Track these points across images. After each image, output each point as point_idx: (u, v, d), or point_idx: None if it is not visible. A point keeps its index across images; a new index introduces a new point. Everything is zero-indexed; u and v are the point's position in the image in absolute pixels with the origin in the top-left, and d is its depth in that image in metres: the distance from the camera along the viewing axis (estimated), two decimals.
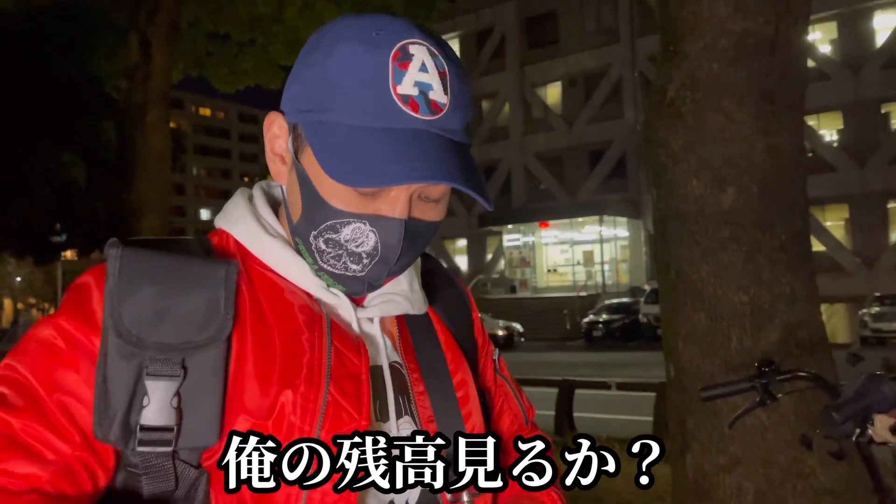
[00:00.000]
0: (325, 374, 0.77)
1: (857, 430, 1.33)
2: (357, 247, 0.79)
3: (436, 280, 0.98)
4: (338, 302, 0.84)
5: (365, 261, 0.80)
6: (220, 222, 0.88)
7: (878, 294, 21.04)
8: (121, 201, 8.83)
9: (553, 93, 34.37)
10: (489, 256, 35.36)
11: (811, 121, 27.10)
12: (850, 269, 25.80)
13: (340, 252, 0.80)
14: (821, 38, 27.47)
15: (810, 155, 27.21)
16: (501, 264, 34.67)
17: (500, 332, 23.32)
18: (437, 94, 0.76)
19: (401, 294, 0.87)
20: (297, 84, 0.81)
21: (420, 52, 0.76)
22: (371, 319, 0.86)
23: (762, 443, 2.99)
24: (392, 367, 0.85)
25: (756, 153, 3.15)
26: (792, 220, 3.18)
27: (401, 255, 0.80)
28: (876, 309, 20.18)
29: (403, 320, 0.89)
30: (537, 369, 13.92)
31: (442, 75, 0.77)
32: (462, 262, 36.31)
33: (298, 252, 0.84)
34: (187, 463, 0.71)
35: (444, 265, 1.03)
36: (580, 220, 31.18)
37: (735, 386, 1.54)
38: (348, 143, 0.74)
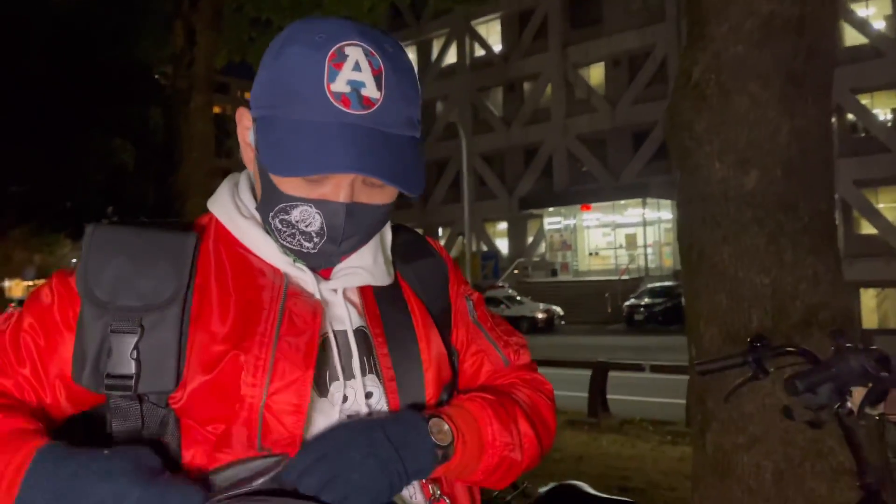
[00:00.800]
0: (274, 336, 0.87)
1: (837, 403, 1.39)
2: (306, 227, 0.89)
3: (409, 251, 1.06)
4: (302, 276, 0.94)
5: (315, 239, 0.90)
6: (209, 204, 1.00)
7: None
8: (167, 185, 9.14)
9: (596, 73, 33.90)
10: (530, 239, 35.24)
11: (864, 100, 26.21)
12: None
13: (293, 231, 0.90)
14: (874, 13, 26.46)
15: (863, 135, 26.35)
16: (542, 247, 34.53)
17: (540, 315, 23.33)
18: (370, 91, 0.85)
19: (363, 267, 0.96)
20: (255, 83, 0.92)
21: (355, 53, 0.85)
22: (335, 290, 0.96)
23: (781, 422, 3.02)
24: (357, 331, 0.95)
25: (781, 136, 3.15)
26: (816, 201, 3.18)
27: (345, 235, 0.90)
28: None
29: (370, 290, 0.99)
30: (576, 352, 13.93)
31: (376, 73, 0.85)
32: (503, 245, 36.28)
33: (268, 232, 0.95)
34: (156, 405, 0.85)
35: (423, 235, 1.12)
36: (623, 202, 30.82)
37: (729, 360, 1.60)
38: (286, 137, 0.85)
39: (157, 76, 13.16)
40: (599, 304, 26.28)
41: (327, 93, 0.84)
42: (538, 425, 1.04)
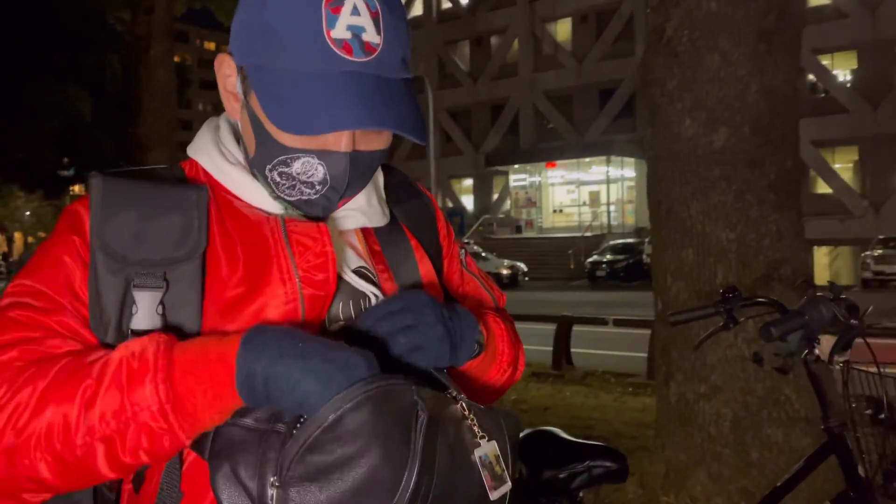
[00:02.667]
0: (294, 271, 0.86)
1: (806, 350, 1.46)
2: (308, 178, 0.87)
3: (401, 192, 1.06)
4: (297, 217, 0.92)
5: (318, 187, 0.88)
6: (190, 151, 0.97)
7: (881, 237, 21.06)
8: (127, 135, 8.89)
9: (563, 29, 33.68)
10: (495, 196, 35.34)
11: (825, 60, 26.57)
12: (857, 211, 25.74)
13: (294, 183, 0.88)
14: None
15: (822, 95, 26.77)
16: (507, 204, 34.68)
17: (505, 272, 23.55)
18: (371, 36, 0.81)
19: (357, 209, 0.95)
20: (239, 28, 0.87)
21: None
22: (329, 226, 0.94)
23: (741, 373, 3.14)
24: (359, 271, 0.95)
25: (750, 93, 3.20)
26: (782, 159, 3.25)
27: (349, 184, 0.88)
28: (879, 251, 20.24)
29: (371, 231, 0.99)
30: (540, 307, 14.11)
31: (374, 16, 0.82)
32: (468, 201, 36.32)
33: (255, 177, 0.92)
34: None
35: (409, 177, 1.11)
36: (587, 160, 31.00)
37: (701, 311, 1.66)
38: (288, 89, 0.81)
39: (111, 21, 12.66)
40: (563, 260, 26.62)
41: (328, 40, 0.80)
42: (523, 356, 1.10)
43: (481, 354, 0.95)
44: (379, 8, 0.82)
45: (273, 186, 0.90)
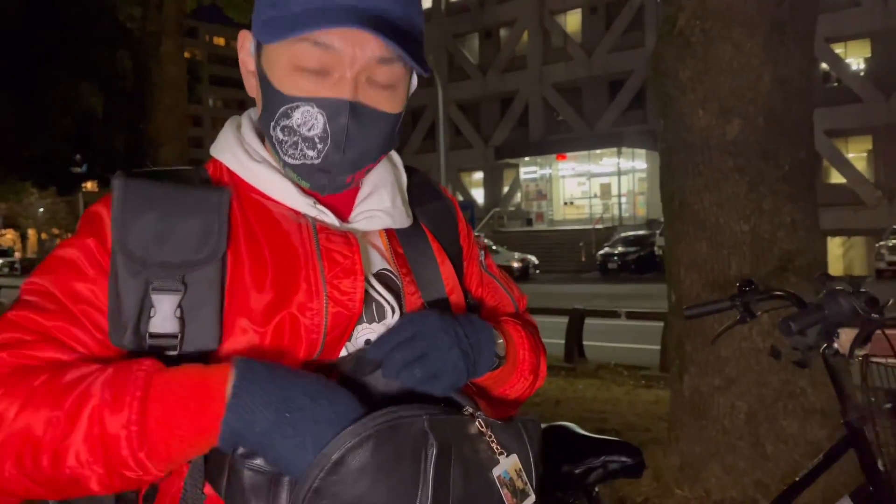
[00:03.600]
0: (321, 281, 0.86)
1: (825, 344, 1.45)
2: (309, 130, 0.86)
3: (423, 193, 1.05)
4: (324, 218, 0.92)
5: (319, 146, 0.86)
6: (213, 151, 0.96)
7: (895, 227, 20.87)
8: (139, 132, 8.93)
9: (573, 20, 33.49)
10: (506, 189, 35.27)
11: (838, 48, 26.30)
12: (870, 202, 25.51)
13: (296, 139, 0.87)
14: None
15: (835, 84, 26.51)
16: (518, 197, 34.60)
17: (516, 265, 23.51)
18: None
19: (382, 210, 0.94)
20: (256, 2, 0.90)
21: None
22: (355, 234, 0.93)
23: (756, 365, 3.13)
24: (383, 273, 0.94)
25: (763, 84, 3.17)
26: (796, 150, 3.22)
27: (350, 138, 0.86)
28: (893, 241, 20.04)
29: (393, 233, 0.98)
30: (551, 300, 14.10)
31: None
32: (478, 194, 36.27)
33: (282, 174, 0.92)
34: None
35: (431, 179, 1.10)
36: (598, 152, 30.87)
37: (717, 304, 1.64)
38: (290, 23, 0.83)
39: (122, 19, 12.71)
40: (574, 253, 26.55)
41: None
42: (545, 362, 1.08)
43: (501, 367, 0.94)
44: None
45: (279, 148, 0.89)
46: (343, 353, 0.89)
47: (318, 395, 0.74)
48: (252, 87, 0.93)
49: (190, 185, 0.88)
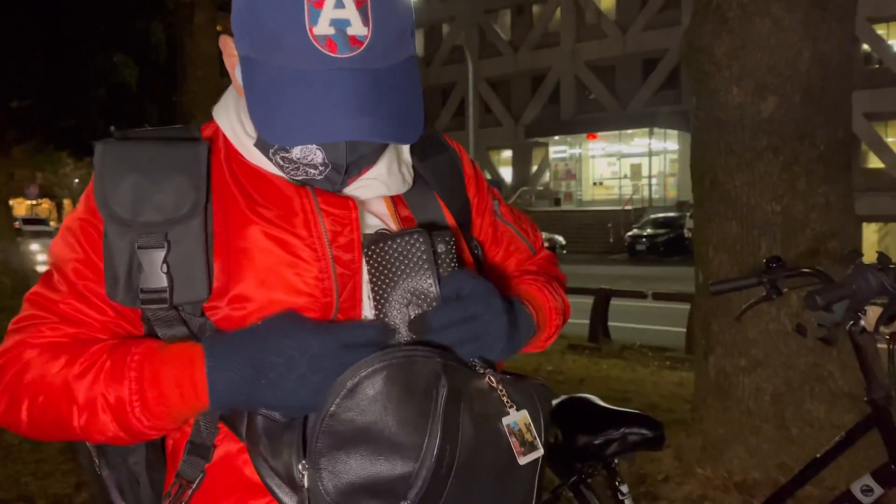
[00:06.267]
0: (328, 251, 0.88)
1: (851, 321, 1.43)
2: (309, 161, 0.88)
3: (426, 148, 1.03)
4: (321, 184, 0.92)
5: (320, 168, 0.88)
6: (214, 113, 0.97)
7: None
8: (171, 104, 9.01)
9: None
10: (534, 168, 35.01)
11: (880, 30, 25.52)
12: None
13: (297, 165, 0.88)
14: None
15: (876, 67, 25.77)
16: (546, 176, 34.34)
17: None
18: (356, 29, 0.78)
19: (376, 178, 0.94)
20: (235, 14, 0.85)
21: None
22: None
23: (783, 347, 3.09)
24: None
25: (802, 61, 3.10)
26: (833, 130, 3.15)
27: (349, 166, 0.88)
28: None
29: (400, 198, 0.97)
30: (578, 281, 14.00)
31: (360, 4, 0.78)
32: (506, 173, 36.07)
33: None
34: (191, 314, 0.87)
35: (435, 131, 1.08)
36: (629, 132, 30.47)
37: (744, 281, 1.63)
38: (274, 90, 0.80)
39: None
40: (602, 234, 26.34)
41: (310, 37, 0.77)
42: (566, 302, 1.11)
43: (536, 333, 0.99)
44: None
45: (279, 167, 0.91)
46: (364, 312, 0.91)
47: (282, 337, 0.80)
48: (239, 88, 0.91)
49: (170, 143, 0.90)
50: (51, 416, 0.83)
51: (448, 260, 0.88)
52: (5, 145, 13.91)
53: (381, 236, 0.87)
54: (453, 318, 0.83)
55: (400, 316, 0.84)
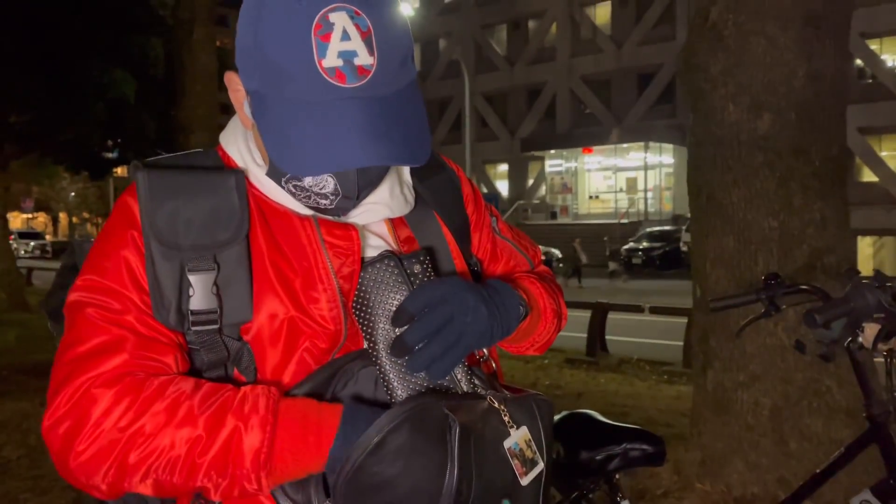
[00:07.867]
0: (334, 280, 0.90)
1: (849, 338, 1.45)
2: (320, 189, 0.89)
3: (425, 168, 1.04)
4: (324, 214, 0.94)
5: (331, 197, 0.90)
6: (222, 140, 0.99)
7: None
8: (170, 118, 9.03)
9: (602, 12, 33.19)
10: (530, 182, 35.13)
11: (873, 45, 25.76)
12: None
13: (308, 194, 0.91)
14: None
15: (870, 81, 25.98)
16: (542, 190, 34.45)
17: None
18: (363, 59, 0.80)
19: (379, 202, 0.96)
20: (240, 51, 0.87)
21: (340, 20, 0.79)
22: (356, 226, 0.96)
23: (781, 362, 3.11)
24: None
25: (797, 79, 3.14)
26: (828, 146, 3.19)
27: (361, 191, 0.91)
28: None
29: (400, 219, 0.99)
30: (575, 294, 14.03)
31: (365, 35, 0.80)
32: (503, 186, 36.18)
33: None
34: (230, 337, 0.89)
35: (433, 152, 1.08)
36: (625, 146, 30.61)
37: (742, 298, 1.65)
38: (287, 122, 0.83)
39: (154, 5, 12.85)
40: (598, 247, 26.40)
41: (320, 70, 0.80)
42: (564, 305, 1.14)
43: (528, 316, 1.01)
44: (370, 25, 0.81)
45: (291, 194, 0.93)
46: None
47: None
48: (246, 122, 0.93)
49: (206, 170, 0.93)
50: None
51: (425, 279, 0.89)
52: (3, 160, 13.90)
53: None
54: (427, 330, 0.84)
55: (385, 341, 0.86)
